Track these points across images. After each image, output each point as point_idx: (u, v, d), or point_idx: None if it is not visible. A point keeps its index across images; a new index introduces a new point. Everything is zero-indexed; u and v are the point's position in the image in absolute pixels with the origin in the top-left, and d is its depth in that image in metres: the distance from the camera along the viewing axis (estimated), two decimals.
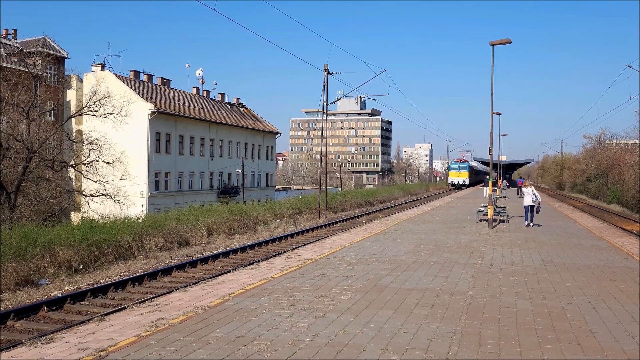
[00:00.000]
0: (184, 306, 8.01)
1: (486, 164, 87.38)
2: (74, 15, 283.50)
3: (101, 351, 5.83)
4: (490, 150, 22.31)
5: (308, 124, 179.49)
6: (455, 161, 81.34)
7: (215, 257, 16.65)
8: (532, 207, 20.77)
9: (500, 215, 22.03)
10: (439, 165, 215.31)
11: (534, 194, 20.82)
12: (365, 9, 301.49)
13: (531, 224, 20.70)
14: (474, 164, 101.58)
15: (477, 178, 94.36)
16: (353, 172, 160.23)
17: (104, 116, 32.44)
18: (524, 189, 21.96)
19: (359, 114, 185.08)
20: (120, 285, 12.72)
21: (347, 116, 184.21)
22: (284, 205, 32.25)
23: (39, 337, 6.92)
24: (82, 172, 32.56)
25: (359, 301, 8.09)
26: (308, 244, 17.46)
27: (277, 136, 66.89)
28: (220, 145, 53.56)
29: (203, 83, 59.98)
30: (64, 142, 34.26)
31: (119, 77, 44.31)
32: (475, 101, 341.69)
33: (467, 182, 74.72)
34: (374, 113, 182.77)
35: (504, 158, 76.93)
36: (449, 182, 78.54)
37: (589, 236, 17.84)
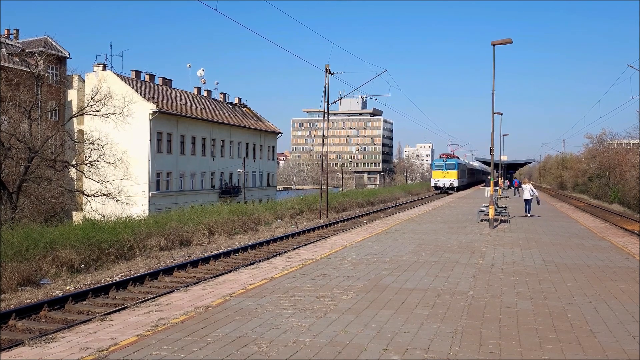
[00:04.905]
0: (185, 306, 8.02)
1: (488, 164, 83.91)
2: (76, 15, 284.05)
3: (102, 351, 5.84)
4: (491, 150, 22.31)
5: (309, 124, 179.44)
6: (441, 157, 61.64)
7: (216, 257, 16.66)
8: (530, 200, 25.22)
9: (502, 215, 22.02)
10: None
11: (532, 190, 25.21)
12: (366, 8, 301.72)
13: (528, 214, 24.81)
14: (475, 164, 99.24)
15: (471, 179, 78.03)
16: (354, 172, 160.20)
17: (105, 116, 32.47)
18: (523, 186, 26.80)
19: (360, 114, 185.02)
20: (122, 285, 12.74)
21: (348, 116, 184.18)
22: (285, 205, 32.26)
23: (41, 337, 6.93)
24: (84, 172, 32.60)
25: (360, 301, 8.09)
26: (309, 243, 17.47)
27: (278, 136, 66.92)
28: (222, 145, 53.60)
29: (204, 83, 60.04)
30: (66, 142, 34.27)
31: (120, 77, 44.35)
32: (476, 101, 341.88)
33: (455, 184, 57.20)
34: (376, 113, 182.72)
35: (505, 158, 75.40)
36: (432, 184, 59.79)
37: (590, 236, 17.82)
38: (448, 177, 57.29)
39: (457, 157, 64.16)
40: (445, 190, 57.24)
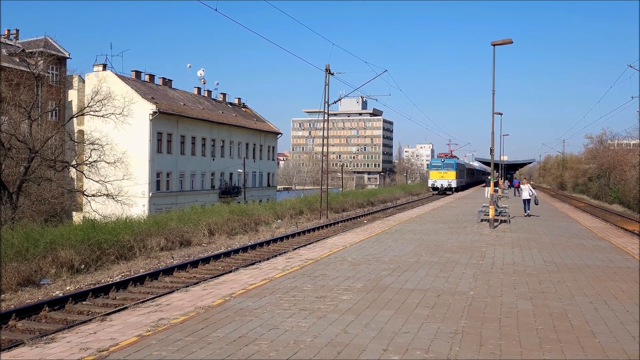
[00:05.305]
0: (185, 306, 8.02)
1: (488, 164, 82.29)
2: (76, 15, 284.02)
3: (102, 351, 5.84)
4: (491, 151, 22.31)
5: (309, 124, 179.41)
6: (439, 156, 60.12)
7: (216, 257, 16.67)
8: (528, 200, 25.77)
9: (502, 216, 22.01)
10: None
11: (530, 190, 25.83)
12: (366, 9, 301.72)
13: (528, 213, 25.47)
14: (475, 164, 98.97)
15: (471, 179, 76.08)
16: (354, 172, 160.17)
17: (105, 116, 32.50)
18: (522, 186, 27.38)
19: (360, 114, 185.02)
20: (122, 285, 12.74)
21: (348, 116, 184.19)
22: (285, 205, 32.26)
23: (41, 337, 6.93)
24: (84, 172, 32.61)
25: (360, 301, 8.09)
26: (309, 244, 17.47)
27: (278, 136, 66.92)
28: (222, 145, 53.60)
29: (204, 83, 60.05)
30: (66, 142, 34.27)
31: (120, 77, 44.35)
32: (476, 101, 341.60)
33: (454, 184, 55.62)
34: (376, 113, 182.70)
35: (505, 158, 75.04)
36: (430, 185, 58.31)
37: (590, 236, 17.82)
38: (446, 178, 55.67)
39: (455, 156, 62.62)
40: (443, 191, 55.69)
